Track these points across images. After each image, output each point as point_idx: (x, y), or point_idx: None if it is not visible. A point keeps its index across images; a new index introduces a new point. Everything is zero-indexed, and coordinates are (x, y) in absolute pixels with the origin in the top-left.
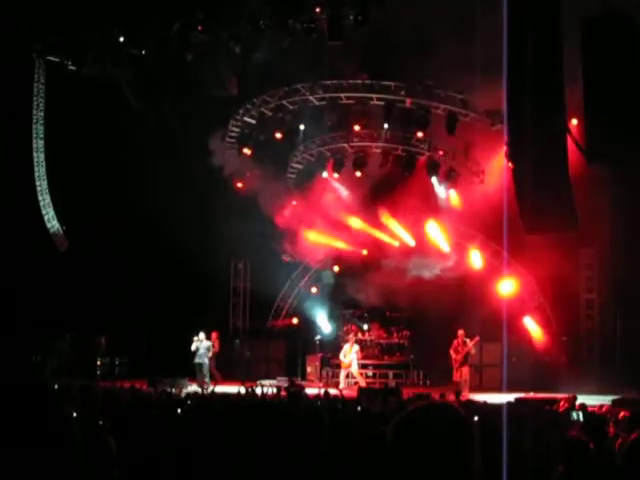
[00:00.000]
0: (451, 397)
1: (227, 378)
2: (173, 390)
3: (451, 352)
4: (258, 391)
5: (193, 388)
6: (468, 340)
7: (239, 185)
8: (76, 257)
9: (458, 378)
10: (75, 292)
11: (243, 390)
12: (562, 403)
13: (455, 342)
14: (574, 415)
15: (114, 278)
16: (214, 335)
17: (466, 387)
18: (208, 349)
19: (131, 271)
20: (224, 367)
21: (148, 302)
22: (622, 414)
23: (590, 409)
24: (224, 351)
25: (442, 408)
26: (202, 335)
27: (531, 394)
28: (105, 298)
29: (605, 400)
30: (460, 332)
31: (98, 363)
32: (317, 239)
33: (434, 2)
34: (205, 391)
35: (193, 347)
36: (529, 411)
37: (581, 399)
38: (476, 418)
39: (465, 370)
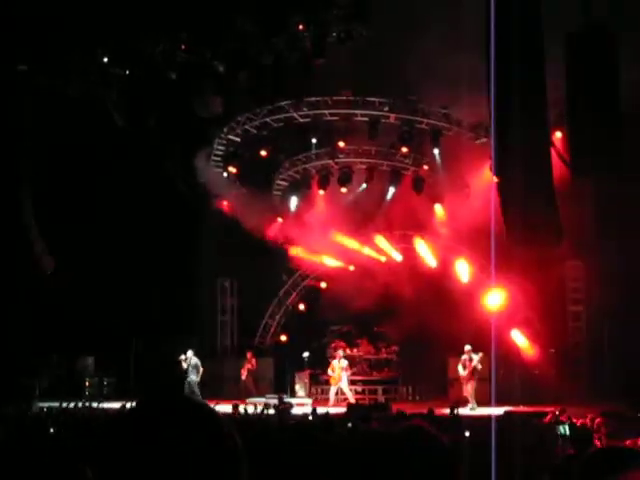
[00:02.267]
0: (444, 411)
1: (216, 396)
2: None
3: (459, 367)
4: (249, 410)
5: None
6: (474, 355)
7: (224, 203)
8: (62, 277)
9: (466, 393)
10: (62, 313)
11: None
12: (549, 416)
13: (463, 357)
14: (560, 429)
15: (101, 298)
16: (249, 354)
17: (472, 401)
18: (195, 366)
19: (118, 291)
20: (214, 385)
21: (136, 322)
22: (597, 421)
23: (577, 421)
24: (213, 369)
25: (416, 435)
26: (190, 353)
27: (520, 407)
28: (93, 318)
29: (594, 412)
30: (467, 348)
31: (86, 384)
32: (304, 256)
33: (417, 18)
34: None
35: (184, 365)
36: (518, 425)
37: (570, 411)
38: (467, 433)
39: (471, 385)
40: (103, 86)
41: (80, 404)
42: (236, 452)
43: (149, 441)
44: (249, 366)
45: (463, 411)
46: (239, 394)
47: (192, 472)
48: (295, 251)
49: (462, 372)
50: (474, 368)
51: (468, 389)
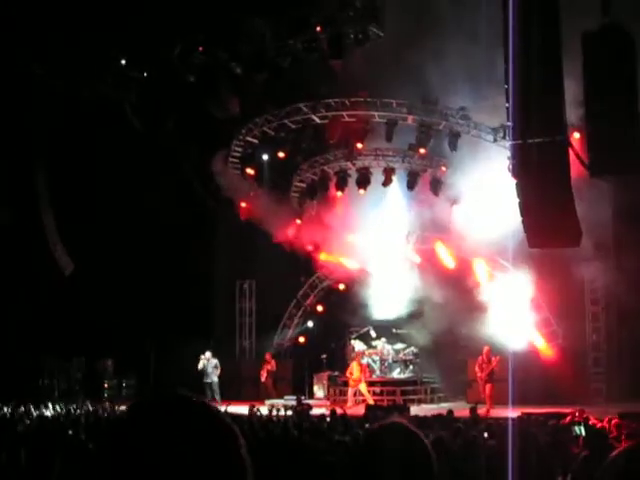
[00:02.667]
0: (465, 412)
1: (234, 398)
2: None
3: (476, 369)
4: (265, 411)
5: None
6: (493, 357)
7: (243, 205)
8: (81, 280)
9: (484, 394)
10: (81, 315)
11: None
12: (567, 417)
13: (480, 359)
14: (576, 429)
15: (120, 300)
16: (268, 355)
17: (490, 403)
18: (215, 367)
19: (137, 293)
20: (233, 387)
21: (154, 324)
22: (614, 422)
23: (594, 422)
24: (231, 371)
25: (395, 430)
26: (208, 354)
27: (538, 408)
28: (111, 321)
29: (612, 413)
30: (486, 348)
31: (105, 385)
32: (324, 258)
33: (435, 19)
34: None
35: (200, 366)
36: (534, 426)
37: (587, 412)
38: (486, 434)
39: (489, 387)
40: (121, 89)
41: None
42: (239, 454)
43: (142, 442)
44: (269, 367)
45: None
46: (258, 395)
47: (189, 474)
48: (323, 256)
49: (479, 373)
50: (492, 370)
51: (487, 390)
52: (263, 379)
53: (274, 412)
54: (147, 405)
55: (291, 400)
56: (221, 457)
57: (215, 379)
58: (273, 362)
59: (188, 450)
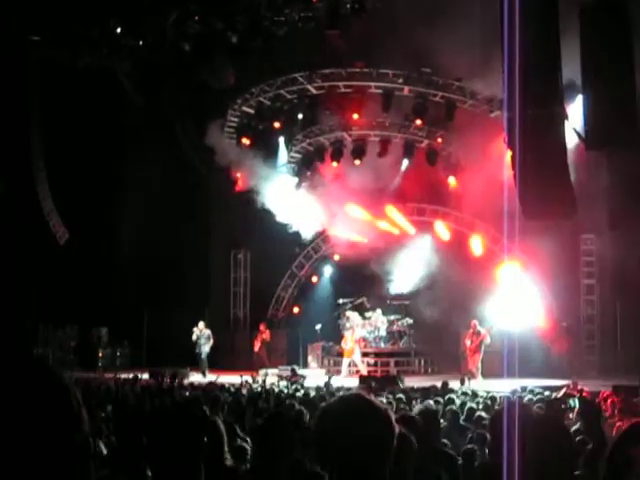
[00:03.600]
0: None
1: (229, 368)
2: (175, 380)
3: (465, 341)
4: (259, 380)
5: (195, 377)
6: (481, 330)
7: (238, 175)
8: (76, 249)
9: (471, 366)
10: (76, 284)
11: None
12: (562, 390)
13: (469, 331)
14: (571, 402)
15: (114, 269)
16: (262, 326)
17: (478, 374)
18: (208, 338)
19: (131, 262)
20: (226, 357)
21: (148, 293)
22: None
23: (587, 394)
24: (225, 341)
25: (355, 401)
26: (202, 324)
27: (533, 380)
28: (106, 289)
29: (606, 386)
30: (473, 322)
31: (99, 354)
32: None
33: None
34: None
35: (194, 337)
36: (529, 398)
37: (582, 385)
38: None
39: (477, 357)
40: (116, 57)
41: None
42: (67, 404)
43: None
44: (263, 337)
45: (474, 384)
46: (252, 366)
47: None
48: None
49: (468, 344)
50: (481, 341)
51: (475, 361)
52: (257, 349)
53: (266, 382)
54: None
55: (285, 370)
56: (46, 407)
57: (206, 350)
58: (267, 332)
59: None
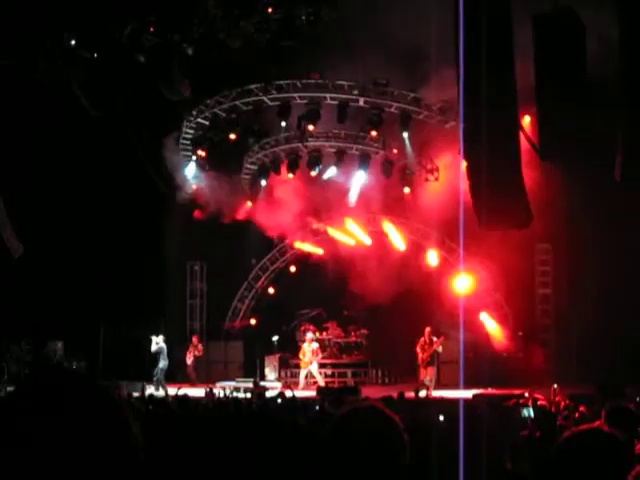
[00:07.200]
0: (410, 394)
1: (182, 380)
2: (134, 393)
3: (417, 350)
4: (217, 393)
5: (151, 391)
6: (435, 338)
7: (193, 187)
8: (31, 262)
9: (424, 377)
10: (30, 298)
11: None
12: (513, 399)
13: (422, 340)
14: (524, 411)
15: (70, 282)
16: (195, 339)
17: (431, 386)
18: (164, 353)
19: (87, 275)
20: (182, 370)
21: (104, 306)
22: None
23: (543, 404)
24: (181, 354)
25: (370, 412)
26: (161, 338)
27: (489, 390)
28: (61, 303)
29: (562, 395)
30: (427, 330)
31: None
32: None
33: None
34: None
35: (153, 348)
36: (486, 408)
37: (537, 394)
38: (442, 418)
39: (431, 369)
40: (70, 70)
41: None
42: (126, 431)
43: (23, 420)
44: (196, 352)
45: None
46: (208, 378)
47: (70, 460)
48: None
49: (420, 354)
50: (434, 351)
51: (428, 372)
52: (189, 362)
53: (231, 394)
54: (29, 385)
55: (242, 382)
56: (105, 434)
57: (165, 363)
58: (200, 346)
59: (70, 426)
